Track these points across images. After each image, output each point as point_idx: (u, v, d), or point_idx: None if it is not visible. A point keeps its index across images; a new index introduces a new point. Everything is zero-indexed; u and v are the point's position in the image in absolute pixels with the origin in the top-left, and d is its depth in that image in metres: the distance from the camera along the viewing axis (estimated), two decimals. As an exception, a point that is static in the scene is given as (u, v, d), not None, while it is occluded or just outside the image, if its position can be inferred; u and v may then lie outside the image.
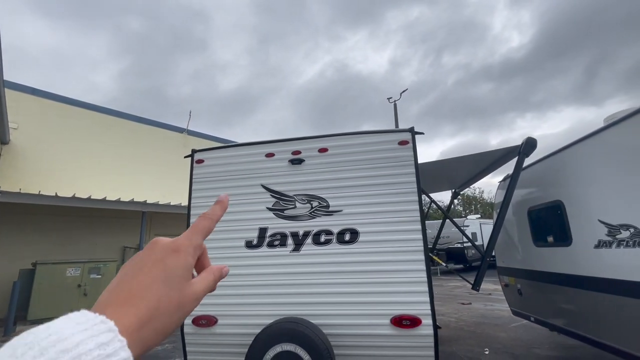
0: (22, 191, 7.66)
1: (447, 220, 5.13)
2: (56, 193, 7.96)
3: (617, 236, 2.99)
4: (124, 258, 10.88)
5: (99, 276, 8.60)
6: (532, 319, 4.72)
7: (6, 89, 7.32)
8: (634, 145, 2.87)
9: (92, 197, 8.43)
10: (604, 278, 3.15)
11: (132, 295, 0.32)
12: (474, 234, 15.40)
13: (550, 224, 4.07)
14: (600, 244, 3.20)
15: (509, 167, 4.80)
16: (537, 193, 4.37)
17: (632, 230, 2.84)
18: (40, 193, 7.84)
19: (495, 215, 5.73)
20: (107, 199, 8.66)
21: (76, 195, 8.17)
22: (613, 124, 3.09)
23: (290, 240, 3.16)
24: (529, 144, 3.89)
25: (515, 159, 4.19)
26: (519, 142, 4.12)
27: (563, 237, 3.77)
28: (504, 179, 5.45)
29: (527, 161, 4.26)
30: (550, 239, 4.07)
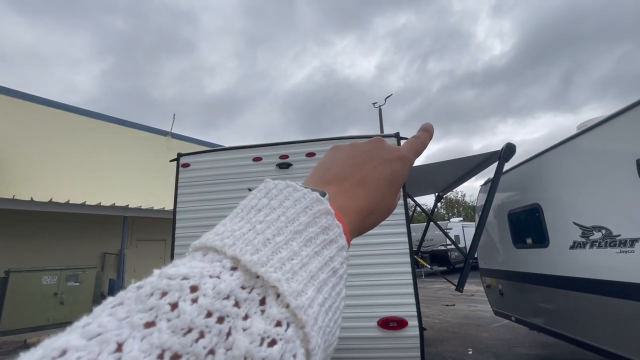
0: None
1: (431, 223, 5.25)
2: (32, 197, 7.64)
3: (590, 237, 3.15)
4: (103, 265, 10.53)
5: (77, 284, 8.28)
6: (512, 318, 4.87)
7: (-22, 89, 7.01)
8: (604, 151, 3.05)
9: (70, 202, 8.14)
10: (579, 277, 3.31)
11: (365, 182, 0.32)
12: (456, 237, 15.75)
13: (529, 226, 4.24)
14: (575, 245, 3.36)
15: (490, 172, 4.98)
16: (517, 197, 4.55)
17: (603, 231, 3.00)
18: (15, 197, 7.52)
19: (477, 218, 5.92)
20: (86, 203, 8.39)
21: (53, 200, 7.87)
22: (585, 130, 3.27)
23: (277, 245, 3.16)
24: (509, 150, 4.05)
25: (496, 163, 4.36)
26: (500, 146, 4.29)
27: (541, 238, 3.93)
28: (485, 183, 5.64)
29: (507, 166, 4.43)
30: (529, 240, 4.23)
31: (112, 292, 7.25)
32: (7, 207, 7.36)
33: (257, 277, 0.20)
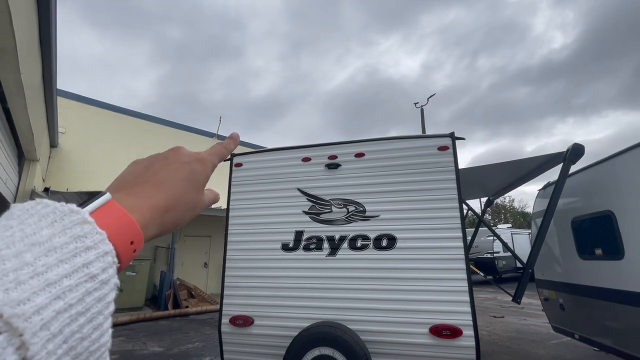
0: (68, 191, 8.18)
1: (478, 229, 4.95)
2: (98, 193, 8.44)
3: (680, 250, 2.77)
4: (155, 257, 11.33)
5: (134, 274, 8.99)
6: (576, 336, 4.43)
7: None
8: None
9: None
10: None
11: (160, 182, 0.35)
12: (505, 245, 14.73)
13: (598, 235, 3.83)
14: (658, 259, 2.98)
15: (547, 176, 4.60)
16: (583, 202, 4.14)
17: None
18: (84, 193, 8.35)
19: (533, 225, 5.47)
20: (143, 200, 9.08)
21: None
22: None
23: (326, 244, 3.17)
24: (576, 151, 3.70)
25: (559, 166, 4.00)
26: (558, 148, 3.94)
27: (614, 250, 3.54)
28: (544, 187, 5.21)
29: (572, 169, 4.04)
30: (598, 251, 3.83)
31: (163, 283, 7.73)
32: (78, 201, 8.20)
33: None
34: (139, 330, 7.06)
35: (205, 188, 0.44)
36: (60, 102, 9.84)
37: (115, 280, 0.26)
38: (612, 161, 3.62)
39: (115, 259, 0.26)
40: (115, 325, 7.37)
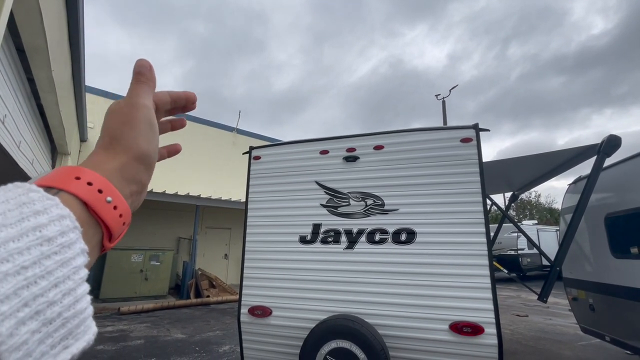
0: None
1: (501, 225, 4.77)
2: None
3: None
4: (178, 248, 11.73)
5: (158, 263, 9.35)
6: (607, 338, 4.22)
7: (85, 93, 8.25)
8: None
9: (153, 191, 9.18)
10: None
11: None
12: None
13: (634, 233, 3.60)
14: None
15: (578, 170, 4.34)
16: (618, 198, 3.89)
17: None
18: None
19: (562, 221, 5.22)
20: (166, 192, 9.38)
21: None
22: None
23: (344, 238, 3.16)
24: (612, 142, 3.47)
25: (592, 159, 3.77)
26: (593, 141, 3.70)
27: (652, 248, 3.32)
28: (575, 182, 4.94)
29: (607, 162, 3.80)
30: (634, 250, 3.60)
31: (186, 273, 7.99)
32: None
33: None
34: (163, 318, 7.35)
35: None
36: (89, 98, 10.27)
37: (81, 245, 0.25)
38: (652, 154, 3.37)
39: (76, 223, 0.25)
40: (141, 312, 7.72)
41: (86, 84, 6.56)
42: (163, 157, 0.48)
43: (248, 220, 3.51)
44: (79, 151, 10.20)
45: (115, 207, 0.30)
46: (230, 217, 12.91)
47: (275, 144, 3.66)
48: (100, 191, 0.29)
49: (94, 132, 10.79)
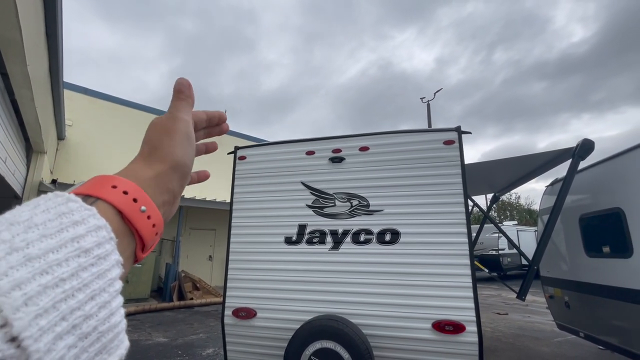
0: (75, 183, 8.28)
1: (483, 225, 4.90)
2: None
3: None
4: (161, 249, 11.46)
5: (140, 265, 9.11)
6: (581, 334, 4.39)
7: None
8: None
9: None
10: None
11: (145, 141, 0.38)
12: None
13: (606, 233, 3.77)
14: (668, 257, 2.92)
15: (556, 172, 4.51)
16: (592, 199, 4.07)
17: None
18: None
19: (539, 222, 5.40)
20: (148, 192, 9.16)
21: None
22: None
23: (329, 238, 3.17)
24: (586, 146, 3.63)
25: (568, 162, 3.93)
26: (572, 144, 3.85)
27: (622, 247, 3.48)
28: (552, 184, 5.13)
29: (581, 165, 3.97)
30: (606, 249, 3.77)
31: (169, 275, 7.80)
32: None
33: None
34: (145, 321, 7.17)
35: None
36: (68, 94, 9.91)
37: (116, 256, 0.25)
38: (623, 157, 3.54)
39: (112, 234, 0.25)
40: (121, 315, 7.49)
41: (65, 79, 6.33)
42: (193, 181, 0.49)
43: (233, 221, 3.47)
44: (56, 149, 9.83)
45: (148, 217, 0.30)
46: (215, 218, 12.72)
47: (261, 144, 3.64)
48: (135, 200, 0.29)
49: (73, 130, 10.43)
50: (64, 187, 7.78)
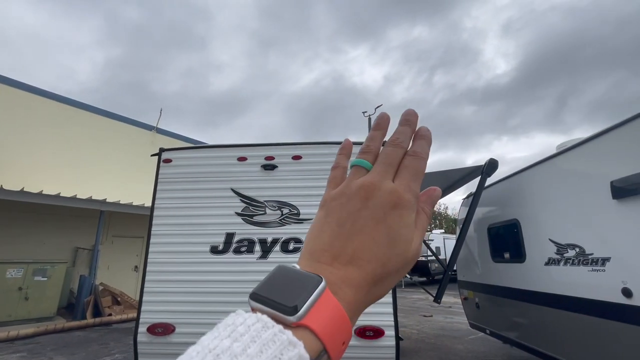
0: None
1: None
2: (1, 186, 7.28)
3: (565, 255, 3.23)
4: (75, 260, 10.09)
5: (45, 278, 7.90)
6: (487, 331, 4.93)
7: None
8: (581, 172, 3.15)
9: (44, 193, 7.79)
10: (553, 294, 3.38)
11: (357, 257, 0.30)
12: (437, 248, 15.96)
13: (507, 241, 4.32)
14: (550, 262, 3.44)
15: (473, 185, 5.07)
16: (497, 212, 4.64)
17: (577, 249, 3.08)
18: (-17, 185, 7.14)
19: (458, 231, 6.00)
20: (61, 195, 8.05)
21: (25, 190, 7.52)
22: (563, 151, 3.38)
23: (257, 247, 3.10)
24: (491, 165, 4.14)
25: (479, 178, 4.44)
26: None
27: (518, 254, 4.01)
28: (467, 197, 5.74)
29: (489, 181, 4.52)
30: (506, 255, 4.31)
31: (82, 288, 6.88)
32: (-26, 194, 6.98)
33: None
34: (46, 344, 6.19)
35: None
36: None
37: None
38: (520, 175, 4.12)
39: None
40: (15, 339, 6.37)
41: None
42: None
43: (153, 229, 3.21)
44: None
45: (343, 343, 0.27)
46: (142, 224, 11.59)
47: (189, 147, 3.45)
48: (343, 343, 0.27)
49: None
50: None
